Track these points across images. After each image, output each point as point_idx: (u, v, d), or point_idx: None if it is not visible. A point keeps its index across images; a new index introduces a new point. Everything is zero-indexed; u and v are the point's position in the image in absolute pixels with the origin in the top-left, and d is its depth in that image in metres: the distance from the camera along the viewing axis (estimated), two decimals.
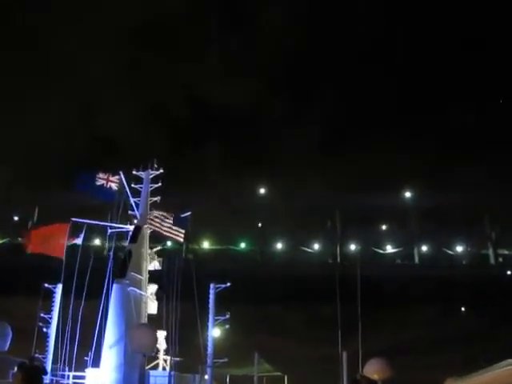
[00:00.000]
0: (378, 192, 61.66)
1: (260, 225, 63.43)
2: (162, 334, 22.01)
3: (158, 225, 23.20)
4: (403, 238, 64.32)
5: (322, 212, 64.27)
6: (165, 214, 23.52)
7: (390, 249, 64.43)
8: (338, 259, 62.50)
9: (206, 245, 61.10)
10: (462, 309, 57.98)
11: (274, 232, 63.38)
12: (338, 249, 63.47)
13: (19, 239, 47.77)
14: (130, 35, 55.35)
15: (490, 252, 63.13)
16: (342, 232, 64.25)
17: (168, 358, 22.61)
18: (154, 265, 23.51)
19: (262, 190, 64.49)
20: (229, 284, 22.06)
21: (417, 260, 63.63)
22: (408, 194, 65.33)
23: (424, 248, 63.95)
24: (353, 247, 63.71)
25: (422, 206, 63.10)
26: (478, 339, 43.57)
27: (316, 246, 64.58)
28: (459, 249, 63.61)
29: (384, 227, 64.59)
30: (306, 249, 64.39)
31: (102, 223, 23.44)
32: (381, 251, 64.26)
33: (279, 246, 63.99)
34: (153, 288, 22.94)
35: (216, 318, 21.88)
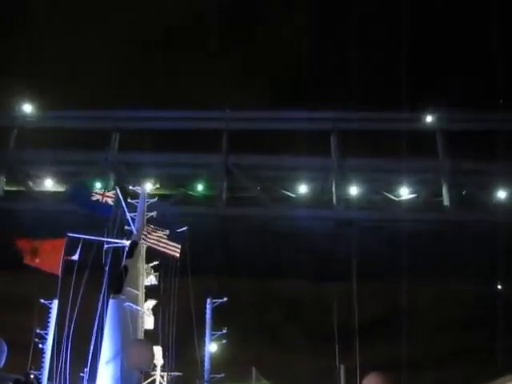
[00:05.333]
0: (390, 110, 70.88)
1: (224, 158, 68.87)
2: (158, 350, 35.43)
3: (153, 240, 36.15)
4: (425, 178, 68.83)
5: (312, 137, 70.79)
6: (160, 229, 36.55)
7: (406, 193, 68.99)
8: (334, 200, 67.24)
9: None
10: (499, 287, 67.05)
11: (242, 167, 69.26)
12: (334, 190, 67.81)
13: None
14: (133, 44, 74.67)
15: None
16: (339, 167, 68.70)
17: (165, 373, 36.20)
18: (151, 279, 36.81)
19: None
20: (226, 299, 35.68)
21: (446, 202, 66.86)
22: (431, 117, 70.07)
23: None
24: (354, 191, 68.35)
25: (452, 130, 69.71)
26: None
27: (303, 189, 69.62)
28: (502, 194, 67.34)
29: (399, 162, 67.11)
30: (289, 193, 70.34)
31: (98, 238, 35.99)
32: (393, 197, 69.33)
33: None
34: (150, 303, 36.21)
35: (213, 332, 35.58)
